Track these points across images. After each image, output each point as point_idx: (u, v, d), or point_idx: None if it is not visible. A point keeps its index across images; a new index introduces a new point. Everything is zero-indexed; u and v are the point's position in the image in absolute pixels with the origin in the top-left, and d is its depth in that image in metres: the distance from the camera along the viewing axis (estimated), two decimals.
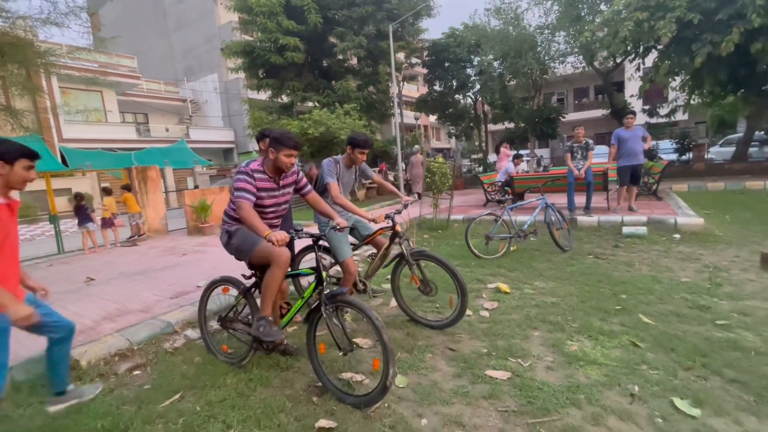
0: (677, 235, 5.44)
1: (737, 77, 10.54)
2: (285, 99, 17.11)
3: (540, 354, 2.67)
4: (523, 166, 9.87)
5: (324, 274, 2.41)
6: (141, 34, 27.60)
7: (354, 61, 17.75)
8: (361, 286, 3.34)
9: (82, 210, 7.98)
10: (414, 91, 32.12)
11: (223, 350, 2.92)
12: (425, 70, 19.49)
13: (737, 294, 3.42)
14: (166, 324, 3.39)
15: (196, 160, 14.16)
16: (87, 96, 19.66)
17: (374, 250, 3.56)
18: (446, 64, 17.84)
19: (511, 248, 5.31)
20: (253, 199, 2.45)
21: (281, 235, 2.16)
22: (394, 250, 3.34)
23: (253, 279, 2.72)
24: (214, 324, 3.20)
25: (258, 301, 2.62)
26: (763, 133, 12.60)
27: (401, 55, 19.39)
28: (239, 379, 2.57)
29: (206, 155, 20.11)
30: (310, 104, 16.46)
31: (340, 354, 2.33)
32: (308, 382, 2.48)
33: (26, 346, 3.15)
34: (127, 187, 8.97)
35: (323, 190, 3.27)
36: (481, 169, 17.27)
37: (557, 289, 3.90)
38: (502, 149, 10.31)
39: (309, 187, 2.81)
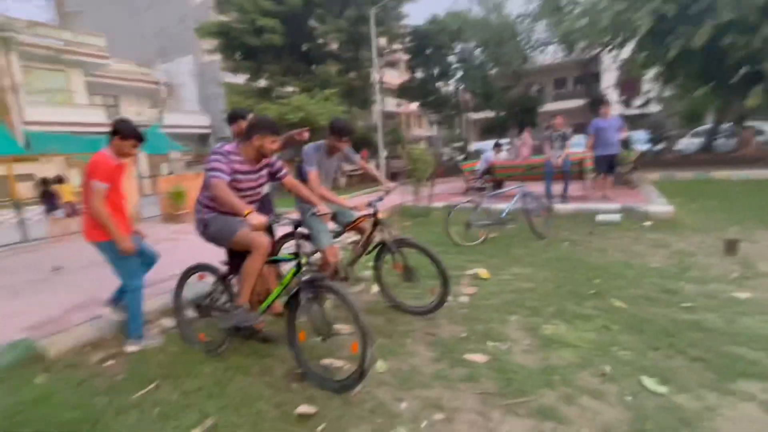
0: (648, 223, 5.63)
1: (708, 71, 10.89)
2: (263, 83, 16.67)
3: (517, 338, 2.74)
4: (503, 154, 9.98)
5: (304, 260, 2.37)
6: (110, 12, 26.14)
7: (335, 45, 17.39)
8: (343, 273, 3.32)
9: (49, 196, 7.61)
10: (396, 77, 31.86)
11: (200, 339, 2.86)
12: (407, 57, 19.30)
13: (702, 278, 3.58)
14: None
15: (170, 145, 13.70)
16: (51, 76, 18.59)
17: (356, 238, 3.54)
18: (428, 51, 17.72)
19: (491, 235, 5.38)
20: (227, 178, 2.36)
21: (260, 219, 2.11)
22: (377, 238, 3.33)
23: (229, 266, 2.67)
24: (190, 313, 3.13)
25: (236, 287, 2.57)
26: (729, 125, 13.12)
27: (383, 41, 19.14)
28: (216, 368, 2.53)
29: (182, 140, 19.44)
30: (290, 89, 16.11)
31: (320, 339, 2.32)
32: (288, 369, 2.46)
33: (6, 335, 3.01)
34: None
35: (304, 179, 3.20)
36: (462, 157, 17.38)
37: (534, 275, 3.99)
38: (525, 134, 10.35)
39: (285, 170, 2.74)
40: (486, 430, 1.87)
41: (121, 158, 2.75)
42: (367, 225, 3.34)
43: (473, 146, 20.42)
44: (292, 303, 2.35)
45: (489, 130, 18.45)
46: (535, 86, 28.62)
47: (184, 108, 24.94)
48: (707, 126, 14.39)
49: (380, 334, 2.91)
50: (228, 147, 2.47)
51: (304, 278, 2.30)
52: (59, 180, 8.23)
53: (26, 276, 5.02)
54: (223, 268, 2.70)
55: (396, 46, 20.03)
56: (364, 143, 18.24)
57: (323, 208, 2.60)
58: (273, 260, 2.58)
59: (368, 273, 3.94)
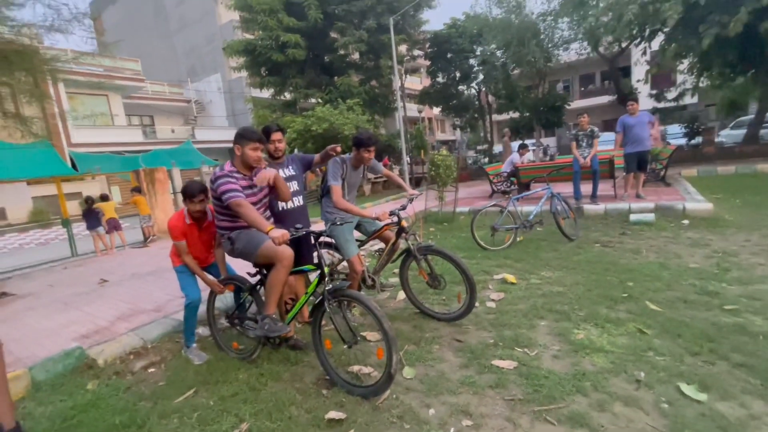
0: (686, 221, 5.38)
1: (747, 58, 10.31)
2: (288, 96, 17.14)
3: (546, 343, 2.69)
4: (529, 155, 9.79)
5: (327, 269, 2.43)
6: (143, 37, 27.76)
7: (356, 55, 17.68)
8: (369, 281, 3.36)
9: (91, 214, 8.12)
10: (417, 83, 31.91)
11: (233, 347, 2.99)
12: (428, 62, 19.32)
13: (746, 278, 3.40)
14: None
15: (203, 160, 14.28)
16: (93, 100, 19.91)
17: (382, 245, 3.59)
18: (448, 55, 17.66)
19: (518, 239, 5.30)
20: (243, 196, 2.42)
21: (282, 233, 2.19)
22: (401, 245, 3.37)
23: (258, 277, 2.77)
24: (224, 321, 3.27)
25: (264, 297, 2.67)
26: None
27: (403, 48, 19.27)
28: (250, 374, 2.63)
29: (212, 155, 20.19)
30: (313, 101, 16.49)
31: (345, 347, 2.37)
32: (318, 376, 2.53)
33: (44, 346, 3.26)
34: (137, 189, 9.11)
35: (327, 192, 3.28)
36: (486, 160, 17.17)
37: (564, 279, 3.90)
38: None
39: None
40: None
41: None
42: (391, 233, 3.38)
43: (498, 148, 20.14)
44: (317, 312, 2.42)
45: (514, 131, 18.14)
46: (561, 84, 27.96)
47: (213, 124, 26.02)
48: (750, 116, 13.57)
49: (407, 340, 2.94)
50: (227, 167, 2.55)
51: (327, 288, 2.36)
52: (104, 198, 8.75)
53: (76, 289, 5.37)
54: (252, 279, 2.81)
55: (417, 52, 20.14)
56: (387, 150, 18.38)
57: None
58: (296, 271, 2.63)
59: (395, 280, 3.97)
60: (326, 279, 2.41)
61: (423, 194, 7.75)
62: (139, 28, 27.94)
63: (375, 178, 16.88)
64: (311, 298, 2.61)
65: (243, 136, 2.52)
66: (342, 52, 16.95)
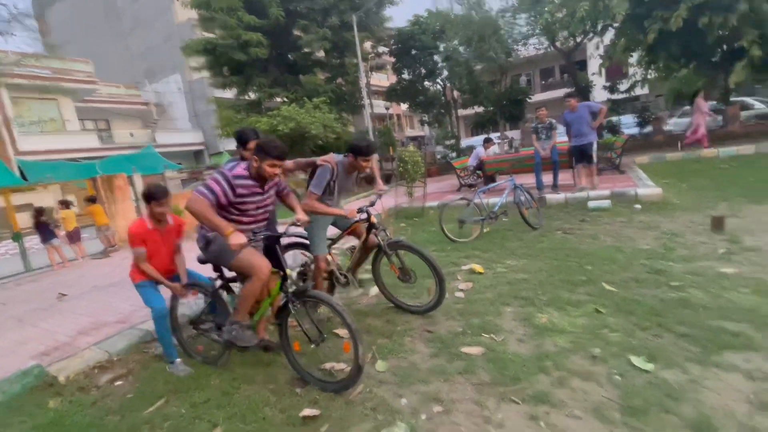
0: (638, 206, 5.73)
1: (689, 51, 11.02)
2: (252, 96, 16.78)
3: (512, 328, 2.82)
4: (494, 148, 10.07)
5: (288, 271, 2.42)
6: (95, 37, 26.30)
7: (321, 53, 17.53)
8: (342, 279, 3.39)
9: (43, 226, 7.69)
10: (384, 80, 31.99)
11: (198, 351, 2.94)
12: (393, 59, 19.42)
13: (690, 256, 3.67)
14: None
15: (165, 164, 13.76)
16: (42, 105, 18.70)
17: (353, 243, 3.62)
18: (413, 52, 17.83)
19: (485, 230, 5.47)
20: (213, 199, 2.34)
21: (241, 238, 2.16)
22: (372, 241, 3.40)
23: (220, 281, 2.74)
24: (189, 328, 3.21)
25: (228, 300, 2.66)
26: (715, 103, 13.23)
27: (368, 45, 19.26)
28: (223, 380, 2.61)
29: (176, 159, 19.51)
30: (279, 100, 16.23)
31: (313, 346, 2.39)
32: (292, 375, 2.54)
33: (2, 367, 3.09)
34: (92, 199, 8.66)
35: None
36: (454, 154, 17.48)
37: (528, 266, 4.08)
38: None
39: (287, 189, 2.83)
40: (482, 418, 1.95)
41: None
42: (362, 230, 3.40)
43: (464, 143, 20.56)
44: (282, 314, 2.43)
45: (479, 125, 18.54)
46: (523, 78, 28.82)
47: (175, 126, 25.07)
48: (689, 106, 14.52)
49: (380, 335, 3.00)
50: (238, 170, 2.44)
51: (290, 290, 2.37)
52: (65, 204, 8.30)
53: (32, 305, 5.09)
54: (215, 283, 2.77)
55: (382, 49, 20.19)
56: None
57: (302, 216, 2.62)
58: None
59: (368, 276, 4.01)
60: (288, 281, 2.40)
61: (392, 191, 7.84)
62: (90, 28, 26.44)
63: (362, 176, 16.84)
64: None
65: (265, 152, 2.36)
66: (306, 50, 16.74)
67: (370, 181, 15.32)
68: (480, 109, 18.25)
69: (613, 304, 2.96)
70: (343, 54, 16.94)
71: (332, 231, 3.46)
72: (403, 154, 6.97)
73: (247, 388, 2.49)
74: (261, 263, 2.39)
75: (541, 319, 2.88)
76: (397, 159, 7.33)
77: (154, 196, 2.72)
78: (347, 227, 3.44)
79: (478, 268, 4.14)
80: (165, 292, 2.92)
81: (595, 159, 6.49)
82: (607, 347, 2.39)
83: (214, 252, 2.54)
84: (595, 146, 6.43)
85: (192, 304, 3.45)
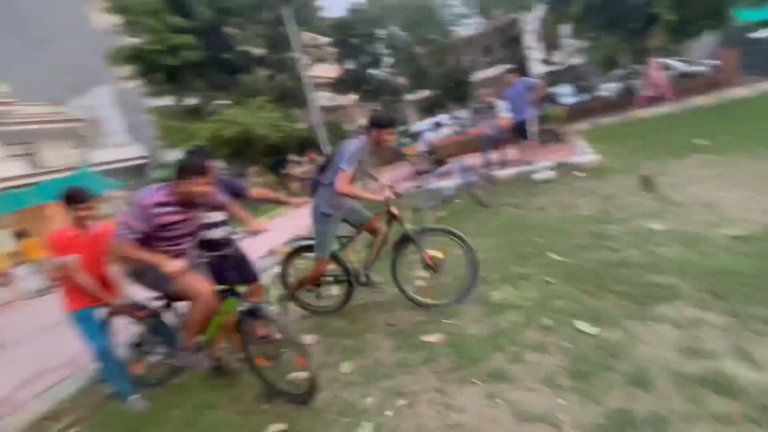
0: (580, 174, 6.04)
1: (612, 20, 11.63)
2: (191, 102, 15.98)
3: (468, 310, 2.91)
4: (445, 131, 10.22)
5: (240, 288, 2.36)
6: (3, 54, 23.82)
7: (258, 51, 16.92)
8: (363, 279, 3.23)
9: None
10: (331, 72, 31.45)
11: (133, 370, 2.79)
12: (335, 50, 19.14)
13: (625, 218, 3.93)
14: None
15: (106, 184, 12.86)
16: None
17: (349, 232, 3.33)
18: (354, 41, 17.64)
19: (440, 215, 5.57)
20: (132, 237, 2.18)
21: (178, 265, 2.08)
22: (393, 233, 3.17)
23: (162, 301, 2.60)
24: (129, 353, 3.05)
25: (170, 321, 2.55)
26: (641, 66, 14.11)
27: (307, 37, 18.81)
28: (184, 409, 2.52)
29: (117, 176, 18.33)
30: (220, 103, 15.58)
31: (268, 364, 2.34)
32: (257, 392, 2.49)
33: None
34: (23, 233, 7.93)
35: (325, 183, 2.92)
36: (408, 140, 17.60)
37: (482, 245, 4.18)
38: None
39: (245, 186, 2.79)
40: (444, 405, 2.01)
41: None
42: (379, 224, 3.17)
43: (415, 128, 20.72)
44: (240, 333, 2.36)
45: (428, 109, 18.75)
46: (467, 58, 29.31)
47: (112, 142, 23.41)
48: (620, 71, 15.43)
49: (344, 335, 3.01)
50: (158, 196, 2.24)
51: (240, 308, 2.30)
52: (21, 235, 7.53)
53: None
54: (155, 304, 2.61)
55: (322, 39, 19.80)
56: (308, 143, 18.04)
57: (257, 226, 2.54)
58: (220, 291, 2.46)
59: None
60: (238, 300, 2.34)
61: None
62: None
63: (303, 173, 16.54)
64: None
65: (186, 171, 2.18)
66: (242, 48, 16.10)
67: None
68: (427, 93, 18.43)
69: (560, 273, 3.12)
70: (282, 49, 16.44)
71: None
72: None
73: (211, 414, 2.42)
74: (202, 287, 2.28)
75: (495, 296, 2.99)
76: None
77: (74, 198, 2.49)
78: (363, 222, 3.18)
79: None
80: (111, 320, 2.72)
81: (531, 133, 6.70)
82: (557, 316, 2.52)
83: (150, 282, 2.38)
84: (532, 121, 6.66)
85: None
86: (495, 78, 22.79)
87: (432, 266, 3.10)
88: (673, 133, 7.42)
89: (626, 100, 12.79)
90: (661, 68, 10.53)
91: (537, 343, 2.31)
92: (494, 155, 7.34)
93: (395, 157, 16.00)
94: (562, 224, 4.23)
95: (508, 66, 16.14)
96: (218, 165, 16.75)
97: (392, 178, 10.47)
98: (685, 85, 11.50)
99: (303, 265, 3.59)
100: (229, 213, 2.83)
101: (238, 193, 3.05)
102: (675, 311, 2.28)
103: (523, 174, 6.61)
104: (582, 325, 2.35)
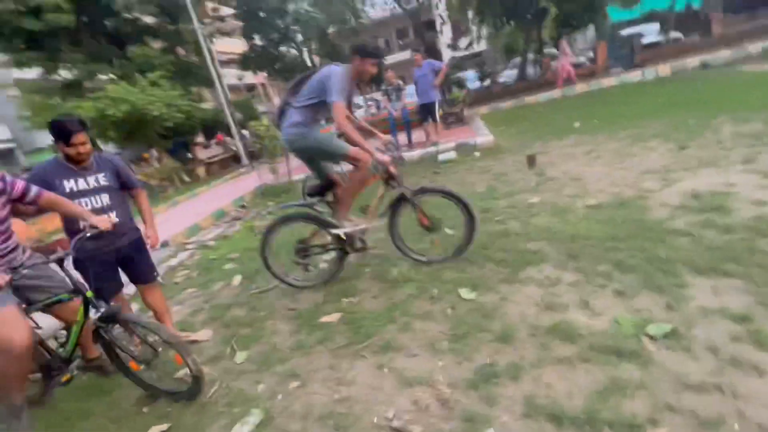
0: (478, 153, 6.50)
1: (509, 9, 12.50)
2: (66, 75, 13.68)
3: (368, 287, 3.00)
4: (360, 112, 10.19)
5: (89, 294, 2.01)
6: None
7: (150, 19, 14.96)
8: (359, 244, 3.10)
9: None
10: (240, 46, 29.12)
11: None
12: (240, 23, 17.71)
13: (511, 192, 4.34)
14: None
15: None
16: None
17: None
18: (261, 15, 16.49)
19: None
20: None
21: None
22: (391, 193, 3.12)
23: None
24: None
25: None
26: (535, 55, 15.51)
27: (209, 7, 17.13)
28: (50, 423, 2.23)
29: None
30: (104, 77, 13.60)
31: (143, 368, 2.15)
32: (139, 395, 2.30)
33: None
34: None
35: (299, 107, 2.68)
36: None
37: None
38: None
39: (35, 192, 1.98)
40: (336, 381, 2.06)
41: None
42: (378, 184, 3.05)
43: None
44: (101, 340, 2.11)
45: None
46: (381, 39, 29.32)
47: None
48: (518, 58, 16.81)
49: (242, 325, 2.90)
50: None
51: (96, 316, 2.02)
52: None
53: None
54: None
55: (226, 11, 18.18)
56: (216, 125, 16.70)
57: (97, 221, 2.02)
58: (48, 303, 2.03)
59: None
60: (91, 305, 2.02)
61: (256, 171, 7.42)
62: None
63: (209, 159, 15.31)
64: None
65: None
66: (128, 15, 14.10)
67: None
68: None
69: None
70: (179, 19, 14.74)
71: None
72: (257, 129, 6.56)
73: (83, 425, 2.17)
74: (11, 335, 1.74)
75: (393, 272, 3.11)
76: (251, 135, 6.88)
77: None
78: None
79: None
80: None
81: (437, 115, 7.03)
82: (443, 286, 2.71)
83: None
84: (437, 104, 6.96)
85: None
86: (408, 61, 23.25)
87: (428, 226, 3.06)
88: (557, 116, 8.31)
89: (522, 86, 14.02)
90: (567, 52, 11.55)
91: (425, 312, 2.46)
92: (402, 137, 7.54)
93: None
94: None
95: (423, 47, 16.53)
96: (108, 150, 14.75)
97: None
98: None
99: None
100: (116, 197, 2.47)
101: (124, 184, 2.59)
102: (540, 273, 2.60)
103: (429, 155, 6.91)
104: (464, 292, 2.56)
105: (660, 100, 7.28)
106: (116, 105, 10.47)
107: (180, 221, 6.57)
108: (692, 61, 10.67)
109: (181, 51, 15.71)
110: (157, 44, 15.20)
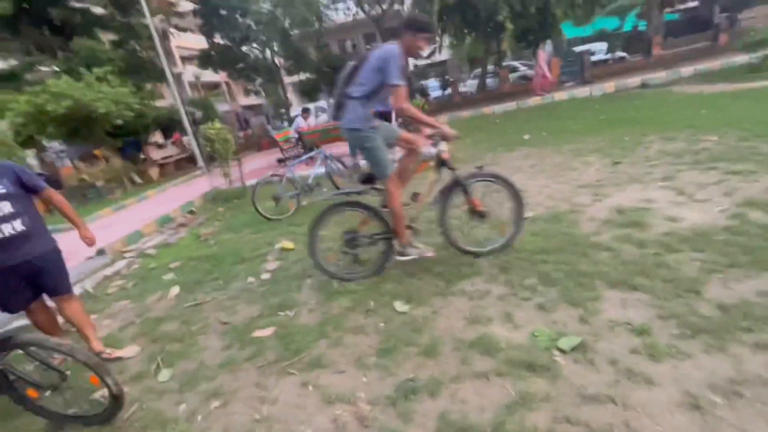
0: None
1: (469, 22, 12.89)
2: (2, 66, 12.69)
3: (307, 300, 2.96)
4: (311, 120, 10.12)
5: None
6: None
7: (100, 10, 14.17)
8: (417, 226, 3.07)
9: None
10: (202, 44, 28.10)
11: None
12: (200, 20, 17.15)
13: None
14: None
15: None
16: None
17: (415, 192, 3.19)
18: (222, 13, 16.05)
19: (303, 204, 5.52)
20: None
21: None
22: (442, 180, 3.07)
23: None
24: None
25: None
26: (495, 66, 16.08)
27: (165, 3, 16.44)
28: None
29: None
30: (46, 70, 12.72)
31: (48, 393, 2.01)
32: (46, 423, 2.14)
33: None
34: None
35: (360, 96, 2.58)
36: (286, 125, 16.97)
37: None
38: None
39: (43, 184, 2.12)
40: (258, 399, 2.01)
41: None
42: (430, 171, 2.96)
43: (295, 111, 20.12)
44: None
45: (305, 93, 18.32)
46: (348, 43, 29.31)
47: None
48: (478, 69, 17.38)
49: (172, 340, 2.78)
50: None
51: None
52: None
53: None
54: None
55: (184, 6, 17.54)
56: (174, 124, 16.01)
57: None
58: None
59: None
60: None
61: (207, 174, 7.16)
62: None
63: (163, 159, 14.62)
64: None
65: None
66: (76, 4, 13.29)
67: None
68: (304, 77, 17.96)
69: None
70: (133, 12, 14.05)
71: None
72: (208, 131, 6.36)
73: None
74: None
75: (334, 285, 3.10)
76: (203, 138, 6.66)
77: None
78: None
79: (288, 245, 4.18)
80: None
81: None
82: (381, 298, 2.73)
83: None
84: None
85: None
86: None
87: (481, 213, 2.99)
88: (510, 128, 8.63)
89: (482, 96, 14.47)
90: (541, 61, 11.96)
91: (358, 326, 2.46)
92: None
93: (269, 142, 15.34)
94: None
95: None
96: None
97: (255, 166, 10.01)
98: (524, 86, 13.49)
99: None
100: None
101: (29, 189, 2.42)
102: (472, 286, 2.67)
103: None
104: (398, 305, 2.59)
105: (602, 117, 7.74)
106: (57, 100, 9.80)
107: (122, 227, 6.23)
108: (634, 80, 11.42)
109: (135, 46, 14.96)
110: (106, 38, 14.44)
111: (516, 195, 2.92)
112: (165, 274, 4.16)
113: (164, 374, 2.38)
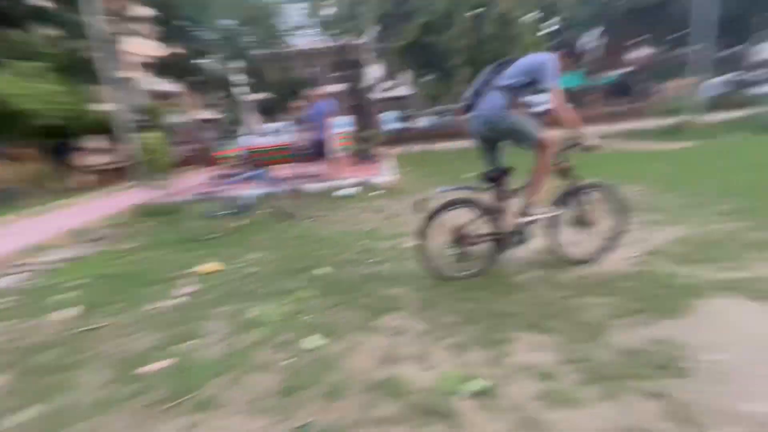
0: (377, 192, 6.64)
1: (428, 61, 13.53)
2: None
3: (216, 329, 2.70)
4: (288, 137, 9.93)
5: None
6: None
7: (44, 2, 13.22)
8: (520, 238, 3.05)
9: None
10: (156, 51, 27.03)
11: None
12: (155, 27, 16.56)
13: (395, 234, 4.41)
14: None
15: None
16: None
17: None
18: (179, 23, 15.62)
19: (241, 223, 5.26)
20: None
21: None
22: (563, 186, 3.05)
23: None
24: None
25: None
26: (453, 104, 16.88)
27: (117, 5, 15.73)
28: None
29: None
30: None
31: None
32: None
33: None
34: None
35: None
36: (234, 142, 16.47)
37: (265, 258, 4.09)
38: None
39: None
40: None
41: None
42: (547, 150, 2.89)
43: (248, 130, 19.71)
44: None
45: (266, 111, 18.07)
46: (309, 69, 29.65)
47: None
48: (437, 107, 18.19)
49: (48, 372, 2.40)
50: None
51: None
52: None
53: None
54: None
55: (140, 11, 16.87)
56: (105, 129, 14.92)
57: None
58: None
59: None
60: None
61: (142, 186, 6.66)
62: None
63: (115, 163, 13.51)
64: None
65: None
66: None
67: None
68: (265, 96, 17.77)
69: (323, 286, 3.22)
70: (76, 7, 13.19)
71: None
72: (146, 141, 5.96)
73: None
74: None
75: (251, 313, 2.88)
76: (140, 146, 6.22)
77: None
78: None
79: (209, 267, 3.89)
80: None
81: (331, 151, 7.02)
82: (299, 332, 2.54)
83: None
84: (330, 140, 6.97)
85: None
86: (335, 93, 23.71)
87: (591, 221, 3.03)
88: (455, 164, 8.95)
89: (437, 132, 15.04)
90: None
91: (263, 363, 2.26)
92: (302, 168, 7.42)
93: (212, 159, 14.78)
94: (344, 238, 4.48)
95: (348, 84, 16.97)
96: None
97: (197, 182, 9.51)
98: None
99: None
100: None
101: None
102: (393, 321, 2.58)
103: (329, 189, 6.88)
104: (314, 340, 2.43)
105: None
106: None
107: (27, 236, 5.55)
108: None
109: (79, 44, 14.00)
110: (46, 32, 13.44)
111: (617, 201, 3.04)
112: (67, 292, 3.69)
113: (28, 413, 2.01)
